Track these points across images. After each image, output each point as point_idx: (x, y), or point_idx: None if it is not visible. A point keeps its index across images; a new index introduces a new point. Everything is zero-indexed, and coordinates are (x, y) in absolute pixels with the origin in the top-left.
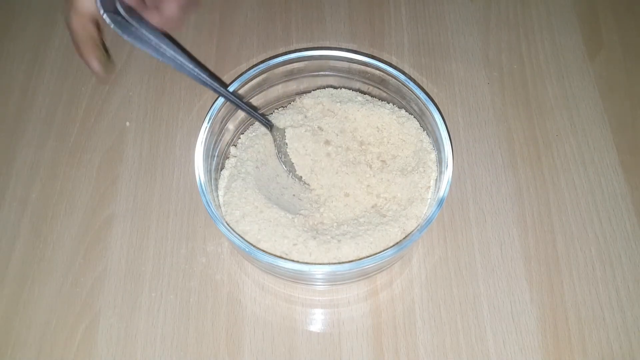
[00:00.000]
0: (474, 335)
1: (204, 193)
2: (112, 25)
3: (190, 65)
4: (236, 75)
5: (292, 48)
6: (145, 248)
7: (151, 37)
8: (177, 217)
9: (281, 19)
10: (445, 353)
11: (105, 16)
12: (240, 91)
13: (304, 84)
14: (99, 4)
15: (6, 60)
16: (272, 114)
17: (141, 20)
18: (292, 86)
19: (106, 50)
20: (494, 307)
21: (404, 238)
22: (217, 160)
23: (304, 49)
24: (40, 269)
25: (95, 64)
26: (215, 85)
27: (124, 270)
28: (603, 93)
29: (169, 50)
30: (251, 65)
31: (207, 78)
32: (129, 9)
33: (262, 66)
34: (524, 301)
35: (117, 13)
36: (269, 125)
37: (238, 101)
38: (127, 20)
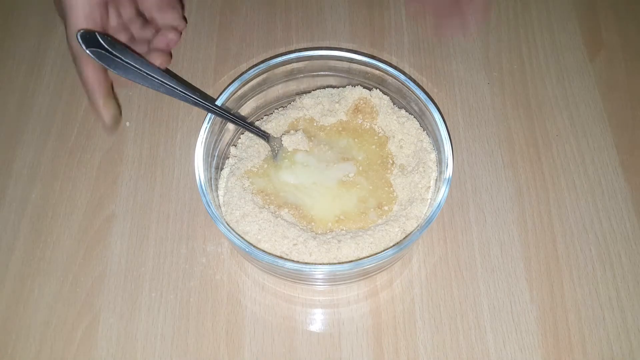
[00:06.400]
0: (474, 335)
1: (204, 193)
2: (96, 60)
3: (179, 89)
4: (236, 76)
5: (292, 48)
6: (145, 248)
7: (136, 66)
8: (177, 217)
9: (281, 19)
10: (445, 353)
11: (88, 52)
12: (240, 91)
13: (304, 84)
14: (80, 40)
15: (6, 60)
16: (272, 114)
17: (124, 50)
18: (292, 86)
19: (116, 99)
20: (494, 307)
21: (404, 238)
22: (217, 160)
23: (304, 49)
24: (40, 269)
25: (108, 117)
26: (208, 104)
27: (124, 270)
28: (603, 93)
29: (156, 77)
30: (251, 65)
31: (199, 99)
32: (111, 42)
33: (262, 66)
34: (524, 301)
35: (100, 47)
36: (266, 137)
37: (232, 118)
38: (110, 53)
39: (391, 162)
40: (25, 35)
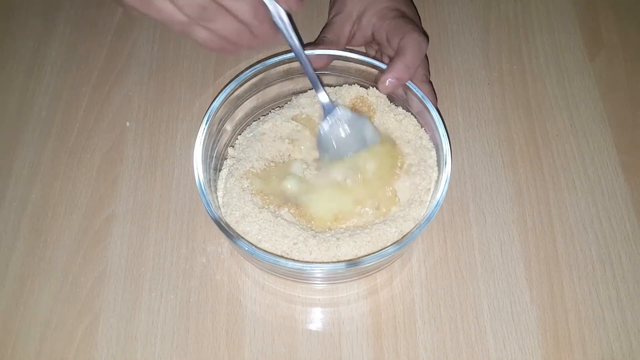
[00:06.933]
0: (474, 335)
1: (203, 194)
2: None
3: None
4: (235, 75)
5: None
6: (145, 248)
7: None
8: (177, 217)
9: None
10: (445, 353)
11: None
12: (238, 91)
13: (300, 83)
14: None
15: (6, 60)
16: (268, 114)
17: None
18: (289, 86)
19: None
20: (494, 307)
21: (402, 237)
22: (216, 161)
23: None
24: (40, 269)
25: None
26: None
27: (124, 270)
28: (603, 93)
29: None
30: (250, 65)
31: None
32: None
33: (258, 66)
34: (524, 301)
35: None
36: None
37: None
38: None
39: (390, 161)
40: (25, 35)
